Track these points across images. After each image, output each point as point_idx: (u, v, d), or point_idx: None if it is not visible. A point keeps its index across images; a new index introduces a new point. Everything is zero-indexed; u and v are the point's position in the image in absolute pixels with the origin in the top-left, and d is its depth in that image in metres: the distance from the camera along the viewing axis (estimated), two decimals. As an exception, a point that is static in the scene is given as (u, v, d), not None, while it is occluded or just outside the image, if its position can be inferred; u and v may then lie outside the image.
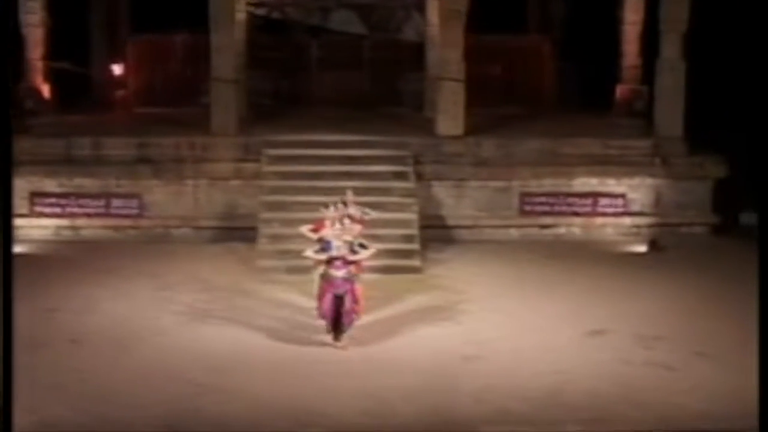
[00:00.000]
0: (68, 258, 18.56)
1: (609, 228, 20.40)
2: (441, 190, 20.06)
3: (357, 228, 15.40)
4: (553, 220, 20.28)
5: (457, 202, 20.09)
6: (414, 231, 18.57)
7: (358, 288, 14.50)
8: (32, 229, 19.64)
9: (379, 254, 17.63)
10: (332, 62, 24.08)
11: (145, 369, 13.28)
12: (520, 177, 20.12)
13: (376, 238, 17.91)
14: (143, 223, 19.80)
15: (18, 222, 19.42)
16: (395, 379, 13.06)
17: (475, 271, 18.09)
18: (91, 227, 19.81)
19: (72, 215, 19.74)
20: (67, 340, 14.33)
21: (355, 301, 14.37)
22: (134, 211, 19.79)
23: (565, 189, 20.24)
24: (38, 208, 19.72)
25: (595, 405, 12.47)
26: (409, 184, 19.30)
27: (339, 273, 14.12)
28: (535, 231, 20.28)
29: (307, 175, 19.10)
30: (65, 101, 22.80)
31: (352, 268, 14.43)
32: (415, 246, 18.31)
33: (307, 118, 21.87)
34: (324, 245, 14.41)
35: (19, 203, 19.46)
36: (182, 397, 12.32)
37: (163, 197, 19.78)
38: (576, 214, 20.29)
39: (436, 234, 19.79)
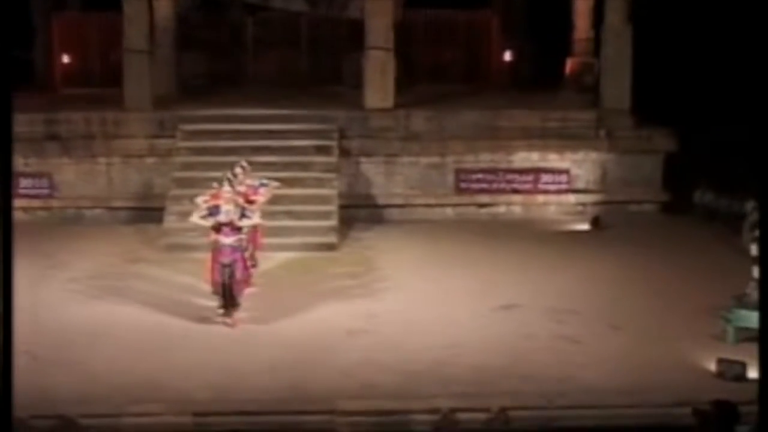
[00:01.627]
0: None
1: (552, 206, 19.07)
2: (370, 167, 18.78)
3: (260, 198, 14.36)
4: (492, 198, 18.96)
5: (387, 179, 18.81)
6: (332, 207, 17.31)
7: (247, 259, 13.32)
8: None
9: (294, 231, 16.63)
10: (269, 41, 22.79)
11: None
12: (455, 152, 18.82)
13: (292, 214, 16.88)
14: (54, 203, 18.64)
15: None
16: (263, 354, 11.85)
17: (396, 249, 16.81)
18: (-3, 209, 18.62)
19: (-24, 196, 18.57)
20: None
21: (245, 272, 13.19)
22: (44, 191, 18.63)
23: (504, 165, 18.94)
24: (-58, 189, 18.54)
25: (478, 379, 11.22)
26: (331, 159, 18.06)
27: (227, 240, 12.88)
28: (472, 210, 18.97)
29: (222, 151, 17.85)
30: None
31: (244, 237, 13.23)
32: (333, 223, 17.06)
33: (235, 96, 20.60)
34: (212, 210, 13.16)
35: None
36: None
37: (74, 176, 18.63)
38: (516, 191, 18.97)
39: (365, 213, 18.58)
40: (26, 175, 18.53)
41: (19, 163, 18.48)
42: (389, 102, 18.91)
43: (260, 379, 11.06)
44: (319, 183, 17.66)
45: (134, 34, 18.67)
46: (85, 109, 19.02)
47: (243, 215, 13.13)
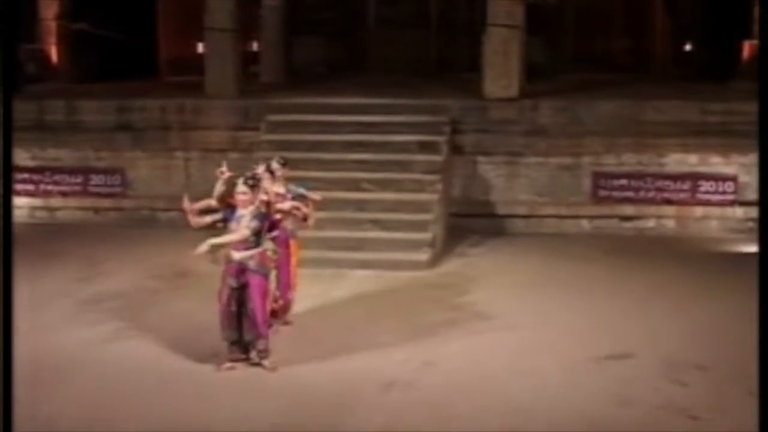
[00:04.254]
0: (19, 242, 15.31)
1: (713, 221, 15.48)
2: (488, 168, 15.69)
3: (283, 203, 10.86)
4: (637, 210, 15.57)
5: (509, 183, 15.67)
6: (430, 216, 14.28)
7: (267, 282, 10.11)
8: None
9: (379, 244, 13.82)
10: (395, 23, 19.95)
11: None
12: (592, 151, 15.53)
13: (379, 223, 14.07)
14: (126, 203, 16.38)
15: (-16, 202, 16.42)
16: (254, 409, 8.91)
17: (504, 271, 13.67)
18: (67, 208, 16.56)
19: (46, 193, 16.54)
20: None
21: (263, 295, 9.76)
22: (116, 190, 16.42)
23: (653, 168, 15.50)
24: (8, 185, 16.56)
25: (538, 466, 7.96)
26: (436, 158, 15.02)
27: (236, 255, 9.60)
28: (613, 223, 15.61)
29: (309, 146, 15.18)
30: (94, 68, 19.78)
31: (259, 253, 9.84)
32: (428, 235, 14.01)
33: (345, 84, 17.85)
34: (227, 214, 9.85)
35: (-14, 179, 16.44)
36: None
37: (148, 172, 16.31)
38: (668, 201, 15.48)
39: (482, 224, 15.52)
40: (97, 171, 16.40)
41: (90, 156, 16.45)
42: (513, 90, 15.72)
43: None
44: (419, 186, 14.67)
45: (217, 10, 16.21)
46: (161, 95, 16.66)
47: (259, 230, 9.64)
